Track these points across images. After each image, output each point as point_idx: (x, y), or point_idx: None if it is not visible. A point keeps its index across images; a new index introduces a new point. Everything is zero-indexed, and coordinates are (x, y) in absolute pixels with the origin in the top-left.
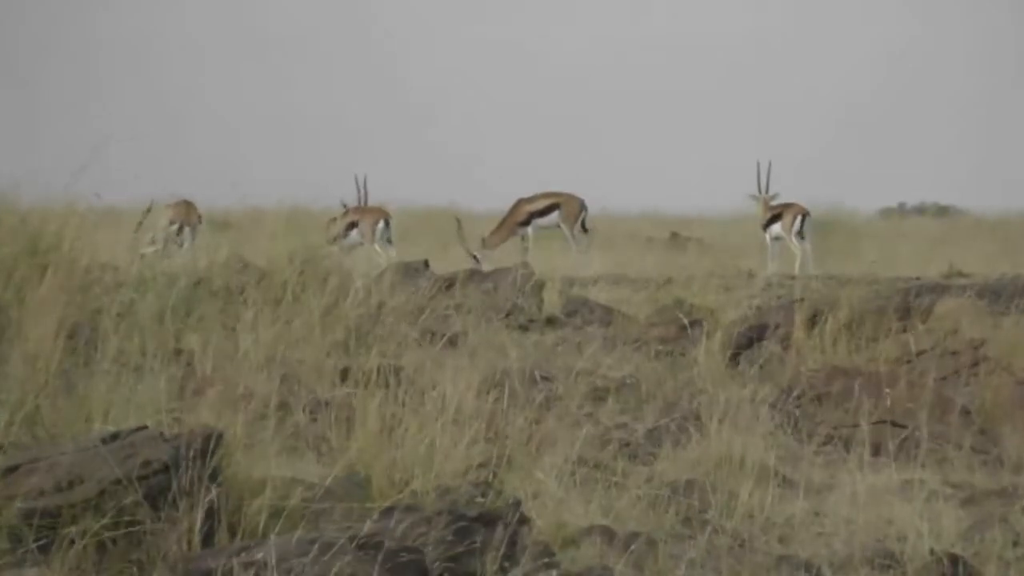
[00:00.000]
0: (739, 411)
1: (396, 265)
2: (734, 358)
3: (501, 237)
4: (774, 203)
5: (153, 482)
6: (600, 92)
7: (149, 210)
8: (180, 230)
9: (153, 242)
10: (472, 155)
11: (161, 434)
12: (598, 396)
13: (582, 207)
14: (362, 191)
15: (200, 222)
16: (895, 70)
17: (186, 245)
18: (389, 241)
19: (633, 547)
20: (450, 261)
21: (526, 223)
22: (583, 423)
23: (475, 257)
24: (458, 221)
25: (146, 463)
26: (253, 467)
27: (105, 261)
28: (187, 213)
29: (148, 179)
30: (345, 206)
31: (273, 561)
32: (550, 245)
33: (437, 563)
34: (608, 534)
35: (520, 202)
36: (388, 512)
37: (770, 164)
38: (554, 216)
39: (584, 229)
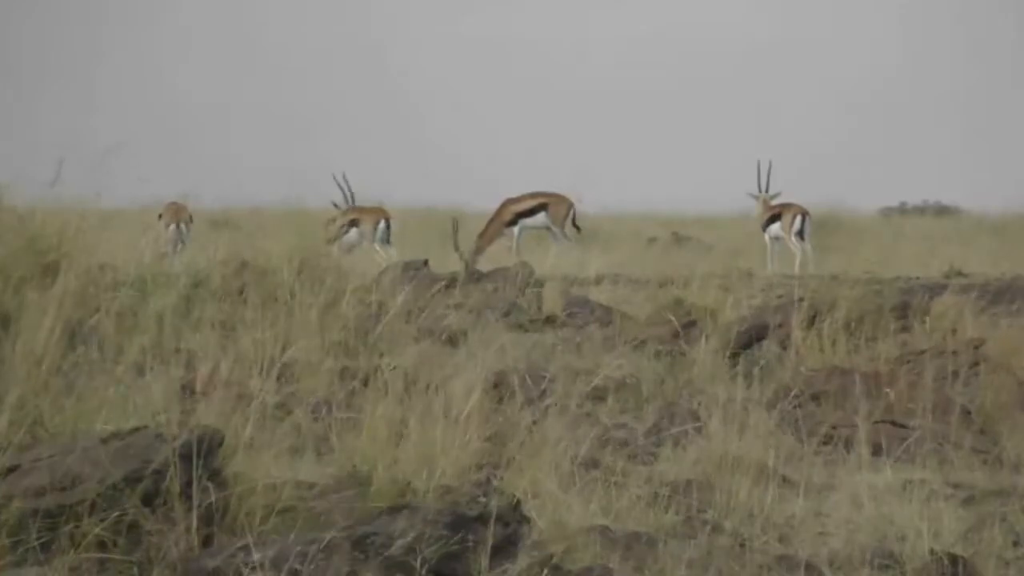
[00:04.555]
0: (739, 411)
1: (396, 265)
2: (734, 358)
3: (488, 239)
4: (774, 202)
5: (153, 482)
6: (601, 92)
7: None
8: (176, 231)
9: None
10: (472, 155)
11: (161, 434)
12: (598, 396)
13: (570, 207)
14: (346, 190)
15: (192, 221)
16: (895, 70)
17: (179, 246)
18: (389, 241)
19: (633, 547)
20: (450, 261)
21: (513, 223)
22: (583, 423)
23: (467, 262)
24: (455, 223)
25: (146, 463)
26: (253, 467)
27: (105, 261)
28: (178, 214)
29: (148, 180)
30: (336, 206)
31: (273, 561)
32: (549, 245)
33: (436, 563)
34: (608, 534)
35: (506, 202)
36: (388, 512)
37: (770, 164)
38: (541, 216)
39: (576, 228)
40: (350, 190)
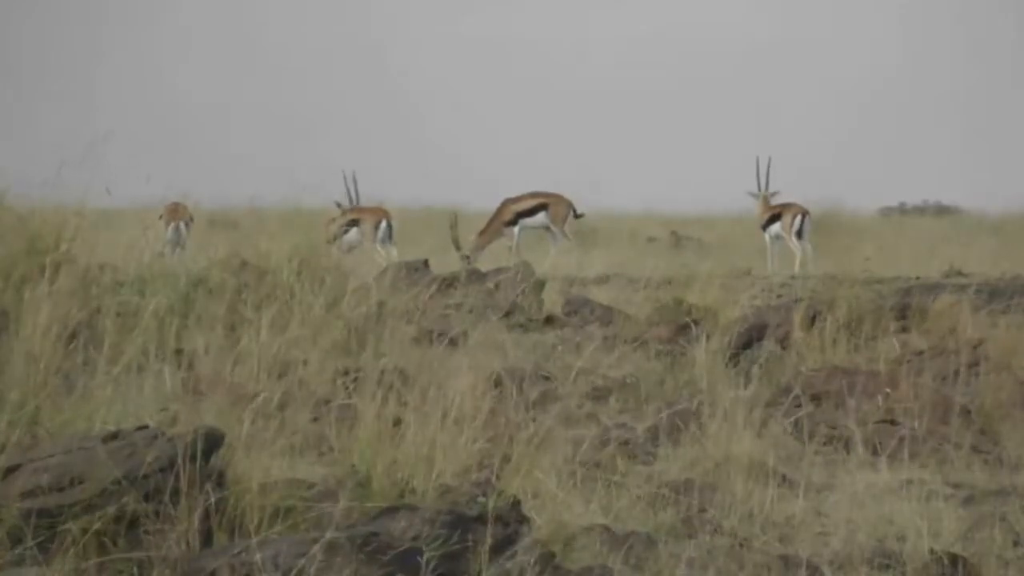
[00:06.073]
0: (739, 411)
1: (396, 265)
2: (734, 358)
3: (488, 238)
4: (774, 200)
5: (153, 482)
6: (601, 92)
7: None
8: (176, 231)
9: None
10: (472, 155)
11: (161, 434)
12: (598, 396)
13: (569, 207)
14: (352, 188)
15: (192, 221)
16: (895, 70)
17: (179, 246)
18: (391, 240)
19: (633, 547)
20: (450, 261)
21: (513, 223)
22: (583, 423)
23: (467, 258)
24: (453, 219)
25: (146, 463)
26: (253, 467)
27: (105, 261)
28: (178, 214)
29: (148, 179)
30: (339, 205)
31: (273, 561)
32: (549, 245)
33: (436, 563)
34: (608, 534)
35: (506, 202)
36: (388, 512)
37: (770, 161)
38: (541, 216)
39: (577, 215)
40: (356, 190)
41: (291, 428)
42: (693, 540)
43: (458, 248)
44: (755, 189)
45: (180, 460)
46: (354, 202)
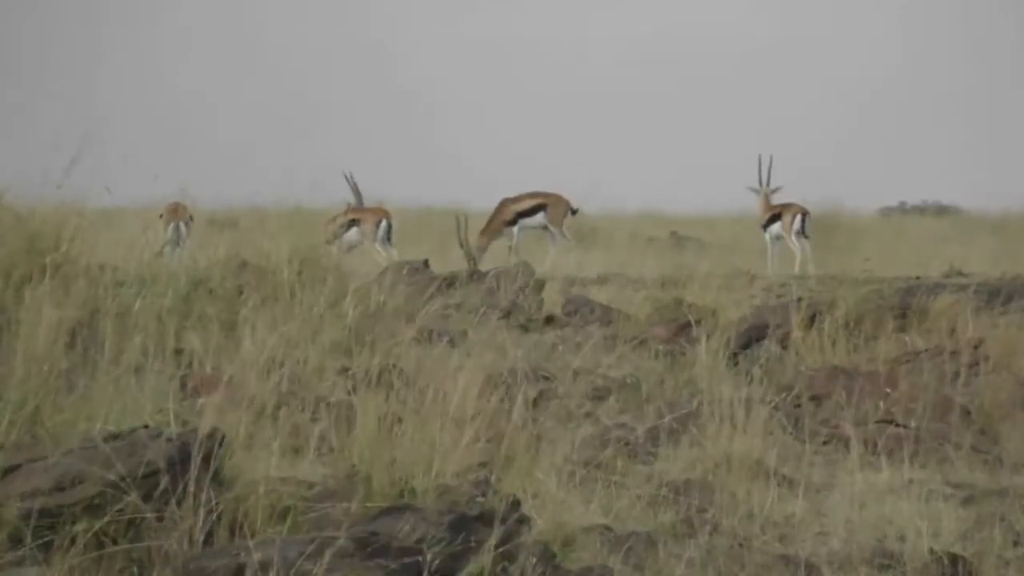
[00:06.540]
0: (739, 411)
1: (396, 265)
2: (734, 358)
3: (488, 238)
4: (775, 197)
5: (153, 482)
6: (601, 92)
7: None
8: (176, 230)
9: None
10: (472, 155)
11: (161, 434)
12: (598, 395)
13: (568, 207)
14: (352, 186)
15: (192, 220)
16: (895, 70)
17: (179, 245)
18: (390, 241)
19: (633, 547)
20: (450, 261)
21: (512, 223)
22: (583, 423)
23: (475, 259)
24: (463, 219)
25: (146, 463)
26: (253, 467)
27: (105, 261)
28: (178, 213)
29: (149, 179)
30: (349, 204)
31: (273, 561)
32: (548, 245)
33: (437, 563)
34: (608, 534)
35: (505, 202)
36: (389, 512)
37: (771, 158)
38: (539, 216)
39: (572, 212)
40: (357, 187)
41: (290, 428)
42: (693, 540)
43: (463, 247)
44: (756, 185)
45: (180, 460)
46: (360, 201)
